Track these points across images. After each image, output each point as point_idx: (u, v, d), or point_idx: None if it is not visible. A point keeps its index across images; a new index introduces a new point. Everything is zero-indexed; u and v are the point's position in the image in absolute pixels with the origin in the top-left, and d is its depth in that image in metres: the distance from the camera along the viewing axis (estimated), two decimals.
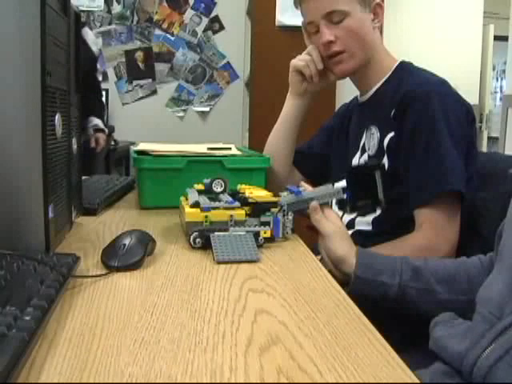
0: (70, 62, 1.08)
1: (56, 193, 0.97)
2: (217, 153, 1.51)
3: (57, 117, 0.96)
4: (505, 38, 3.74)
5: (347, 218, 1.53)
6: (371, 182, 1.19)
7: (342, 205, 1.27)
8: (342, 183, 1.56)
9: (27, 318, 0.60)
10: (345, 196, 1.22)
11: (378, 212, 1.41)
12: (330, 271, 1.10)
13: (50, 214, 0.91)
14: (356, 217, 1.49)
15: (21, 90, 0.85)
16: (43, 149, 0.88)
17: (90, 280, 0.85)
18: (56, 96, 0.96)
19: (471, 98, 4.21)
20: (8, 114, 0.85)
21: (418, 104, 1.32)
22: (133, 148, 1.64)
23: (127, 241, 0.94)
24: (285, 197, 1.21)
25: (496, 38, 5.45)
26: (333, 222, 1.19)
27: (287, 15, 3.40)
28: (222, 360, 0.60)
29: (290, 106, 1.64)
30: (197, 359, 0.60)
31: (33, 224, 0.89)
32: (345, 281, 1.13)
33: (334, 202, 1.28)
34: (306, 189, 1.23)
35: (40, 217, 0.89)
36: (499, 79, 7.53)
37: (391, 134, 1.37)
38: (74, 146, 1.13)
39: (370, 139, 1.46)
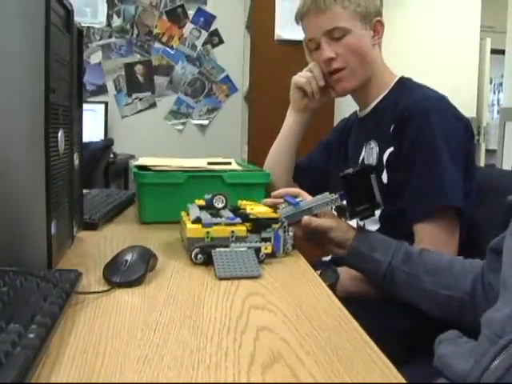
0: (72, 78, 1.08)
1: (58, 209, 0.98)
2: (217, 168, 1.52)
3: (60, 133, 0.97)
4: (502, 52, 3.77)
5: None
6: (367, 185, 1.20)
7: (340, 212, 1.29)
8: None
9: (31, 335, 0.60)
10: (344, 202, 1.23)
11: (377, 226, 1.42)
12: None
13: (53, 230, 0.92)
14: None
15: (24, 106, 0.86)
16: (46, 165, 0.88)
17: (93, 296, 0.85)
18: (59, 112, 0.96)
19: (469, 110, 4.23)
20: (12, 131, 0.85)
21: (417, 120, 1.33)
22: (133, 163, 1.65)
23: (129, 257, 0.95)
24: (283, 208, 1.22)
25: (493, 51, 5.48)
26: (330, 217, 1.26)
27: (286, 29, 3.42)
28: (226, 378, 0.60)
29: (291, 122, 1.65)
30: (200, 377, 0.60)
31: (35, 240, 0.89)
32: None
33: (333, 209, 1.29)
34: (305, 198, 1.25)
35: (42, 233, 0.89)
36: (496, 92, 7.56)
37: (390, 149, 1.38)
38: (76, 162, 1.14)
39: (370, 154, 1.47)
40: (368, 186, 1.20)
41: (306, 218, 1.22)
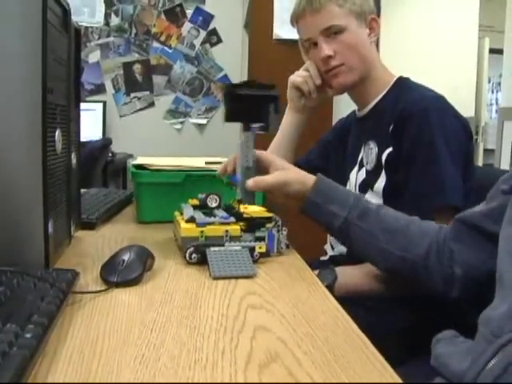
0: (70, 78, 1.08)
1: (56, 208, 0.98)
2: (215, 167, 1.52)
3: (57, 132, 0.97)
4: (500, 51, 3.76)
5: None
6: (264, 110, 1.19)
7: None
8: None
9: (28, 335, 0.60)
10: (254, 126, 1.21)
11: None
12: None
13: (50, 230, 0.92)
14: None
15: (22, 106, 0.86)
16: (44, 165, 0.88)
17: (90, 296, 0.85)
18: (56, 112, 0.96)
19: (467, 110, 4.23)
20: (9, 131, 0.85)
21: (415, 120, 1.33)
22: (131, 162, 1.65)
23: (126, 256, 0.95)
24: (237, 191, 1.22)
25: (491, 50, 5.49)
26: (281, 170, 1.20)
27: (284, 29, 3.41)
28: (222, 377, 0.60)
29: (289, 122, 1.66)
30: (197, 376, 0.60)
31: (32, 240, 0.89)
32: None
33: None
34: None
35: (40, 232, 0.89)
36: (495, 91, 7.55)
37: (389, 149, 1.38)
38: (74, 161, 1.14)
39: (369, 154, 1.47)
40: (250, 100, 1.19)
41: (251, 184, 1.17)
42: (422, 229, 1.13)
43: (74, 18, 1.09)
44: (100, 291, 0.87)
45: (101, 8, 4.49)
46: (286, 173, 1.20)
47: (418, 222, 1.15)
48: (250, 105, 1.18)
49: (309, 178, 1.19)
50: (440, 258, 1.08)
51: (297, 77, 1.55)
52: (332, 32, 1.44)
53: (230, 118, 1.19)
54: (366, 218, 1.14)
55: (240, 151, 1.21)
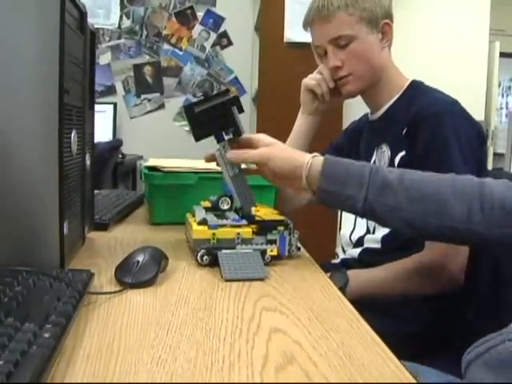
0: (85, 79, 1.09)
1: (70, 209, 0.98)
2: None
3: (73, 134, 0.97)
4: (510, 55, 3.76)
5: (356, 235, 1.54)
6: (229, 116, 1.18)
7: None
8: None
9: (46, 334, 0.60)
10: (226, 135, 1.19)
11: (387, 231, 1.42)
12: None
13: (65, 231, 0.92)
14: (365, 234, 1.49)
15: (39, 107, 0.86)
16: (60, 166, 0.89)
17: (105, 297, 0.85)
18: (72, 113, 0.97)
19: (477, 114, 4.19)
20: (26, 132, 0.86)
21: (429, 124, 1.33)
22: (142, 163, 1.65)
23: (141, 257, 0.95)
24: (235, 201, 1.20)
25: (502, 54, 5.47)
26: (261, 144, 1.16)
27: (295, 31, 3.42)
28: (239, 379, 0.60)
29: (302, 124, 1.66)
30: (214, 378, 0.60)
31: (48, 240, 0.90)
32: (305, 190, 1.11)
33: None
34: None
35: (55, 233, 0.90)
36: (505, 95, 7.52)
37: (402, 153, 1.38)
38: (88, 162, 1.14)
39: (381, 157, 1.47)
40: (230, 116, 1.17)
41: (231, 156, 1.15)
42: (457, 188, 1.02)
43: (89, 20, 1.09)
44: (115, 292, 0.87)
45: (116, 10, 4.50)
46: (270, 149, 1.14)
47: (451, 180, 1.05)
48: (214, 116, 1.16)
49: (299, 157, 1.12)
50: (486, 216, 0.98)
51: (310, 80, 1.55)
52: (341, 41, 1.43)
53: (198, 137, 1.16)
54: (388, 191, 1.04)
55: (221, 163, 1.19)
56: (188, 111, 1.16)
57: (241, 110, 1.17)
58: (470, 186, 1.02)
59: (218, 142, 1.18)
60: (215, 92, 1.24)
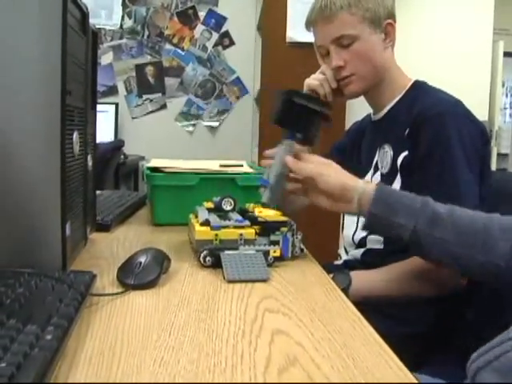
0: (87, 80, 1.09)
1: (72, 210, 0.98)
2: (229, 170, 1.52)
3: (74, 135, 0.97)
4: None
5: (358, 236, 1.53)
6: (298, 108, 1.20)
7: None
8: None
9: (48, 336, 0.60)
10: (298, 136, 1.22)
11: None
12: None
13: (67, 232, 0.92)
14: (368, 235, 1.49)
15: (41, 108, 0.86)
16: (62, 167, 0.88)
17: (107, 298, 0.85)
18: (74, 114, 0.97)
19: (480, 114, 4.18)
20: (28, 133, 0.86)
21: (432, 124, 1.32)
22: (145, 164, 1.65)
23: (143, 259, 0.95)
24: (264, 194, 1.21)
25: (506, 54, 5.47)
26: (316, 161, 1.17)
27: (298, 31, 3.41)
28: (242, 381, 0.60)
29: None
30: (216, 380, 0.60)
31: (50, 241, 0.90)
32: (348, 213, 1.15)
33: None
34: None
35: (57, 234, 0.90)
36: (509, 95, 7.51)
37: (405, 153, 1.37)
38: (90, 163, 1.14)
39: (384, 157, 1.46)
40: (302, 110, 1.19)
41: (290, 161, 1.16)
42: (504, 227, 1.03)
43: (91, 21, 1.09)
44: (117, 293, 0.87)
45: (118, 10, 4.50)
46: (325, 166, 1.16)
47: (498, 219, 1.06)
48: (302, 115, 1.19)
49: (351, 180, 1.14)
50: None
51: (313, 80, 1.54)
52: (343, 41, 1.43)
53: (278, 121, 1.20)
54: (438, 224, 1.05)
55: (277, 157, 1.21)
56: (287, 95, 1.20)
57: (328, 125, 1.21)
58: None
59: (287, 138, 1.21)
60: (320, 98, 1.28)
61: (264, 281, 0.99)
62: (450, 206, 1.09)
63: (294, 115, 1.19)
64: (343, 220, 1.69)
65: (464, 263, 1.05)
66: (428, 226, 1.05)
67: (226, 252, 1.05)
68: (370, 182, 1.14)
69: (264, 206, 1.19)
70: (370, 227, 1.12)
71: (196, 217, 1.19)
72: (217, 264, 1.05)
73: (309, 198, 1.19)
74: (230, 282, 0.97)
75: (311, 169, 1.15)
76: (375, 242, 1.46)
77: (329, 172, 1.15)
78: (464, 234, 1.04)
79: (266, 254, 1.08)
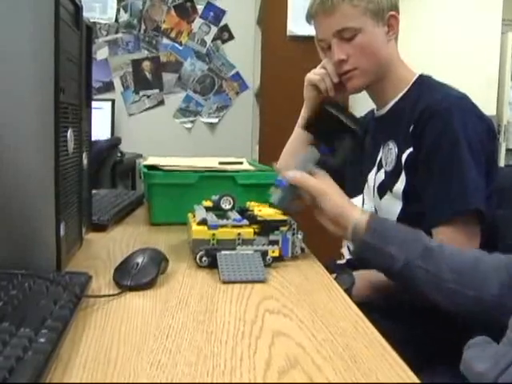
0: (81, 76, 1.07)
1: (67, 210, 0.96)
2: (229, 168, 1.50)
3: (69, 132, 0.95)
4: None
5: None
6: (329, 119, 1.22)
7: (325, 162, 1.24)
8: (358, 199, 1.54)
9: (42, 340, 0.59)
10: (321, 150, 1.22)
11: None
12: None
13: (62, 232, 0.90)
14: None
15: (34, 106, 0.85)
16: (56, 165, 0.87)
17: (103, 300, 0.84)
18: (68, 111, 0.95)
19: (489, 108, 4.18)
20: (21, 131, 0.84)
21: (437, 120, 1.30)
22: (142, 162, 1.63)
23: (140, 259, 0.93)
24: (275, 194, 1.19)
25: None
26: (322, 180, 1.17)
27: (298, 25, 3.37)
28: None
29: (298, 137, 1.63)
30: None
31: (44, 242, 0.88)
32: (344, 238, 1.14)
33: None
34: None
35: (51, 235, 0.88)
36: None
37: (410, 150, 1.35)
38: (85, 161, 1.13)
39: (388, 155, 1.44)
40: (331, 119, 1.19)
41: (296, 175, 1.16)
42: (493, 264, 1.05)
43: (84, 15, 1.07)
44: (113, 295, 0.86)
45: (113, 3, 4.46)
46: (329, 187, 1.16)
47: (486, 256, 1.07)
48: (332, 127, 1.21)
49: (349, 209, 1.14)
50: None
51: (314, 75, 1.52)
52: (345, 34, 1.40)
53: (312, 130, 1.20)
54: (429, 258, 1.05)
55: (299, 163, 1.20)
56: (328, 104, 1.22)
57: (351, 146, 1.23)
58: (502, 262, 1.04)
59: (314, 146, 1.22)
60: (356, 116, 1.29)
61: (261, 282, 0.97)
62: (439, 243, 1.10)
63: (321, 123, 1.18)
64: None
65: (456, 299, 1.05)
66: (421, 259, 1.05)
67: (223, 252, 1.04)
68: (366, 213, 1.14)
69: (271, 206, 1.17)
70: (359, 254, 1.13)
71: (194, 216, 1.17)
72: (214, 264, 1.03)
73: (314, 213, 1.18)
74: (224, 282, 0.96)
75: (313, 185, 1.15)
76: None
77: (328, 196, 1.14)
78: (456, 269, 1.05)
79: (265, 254, 1.06)
